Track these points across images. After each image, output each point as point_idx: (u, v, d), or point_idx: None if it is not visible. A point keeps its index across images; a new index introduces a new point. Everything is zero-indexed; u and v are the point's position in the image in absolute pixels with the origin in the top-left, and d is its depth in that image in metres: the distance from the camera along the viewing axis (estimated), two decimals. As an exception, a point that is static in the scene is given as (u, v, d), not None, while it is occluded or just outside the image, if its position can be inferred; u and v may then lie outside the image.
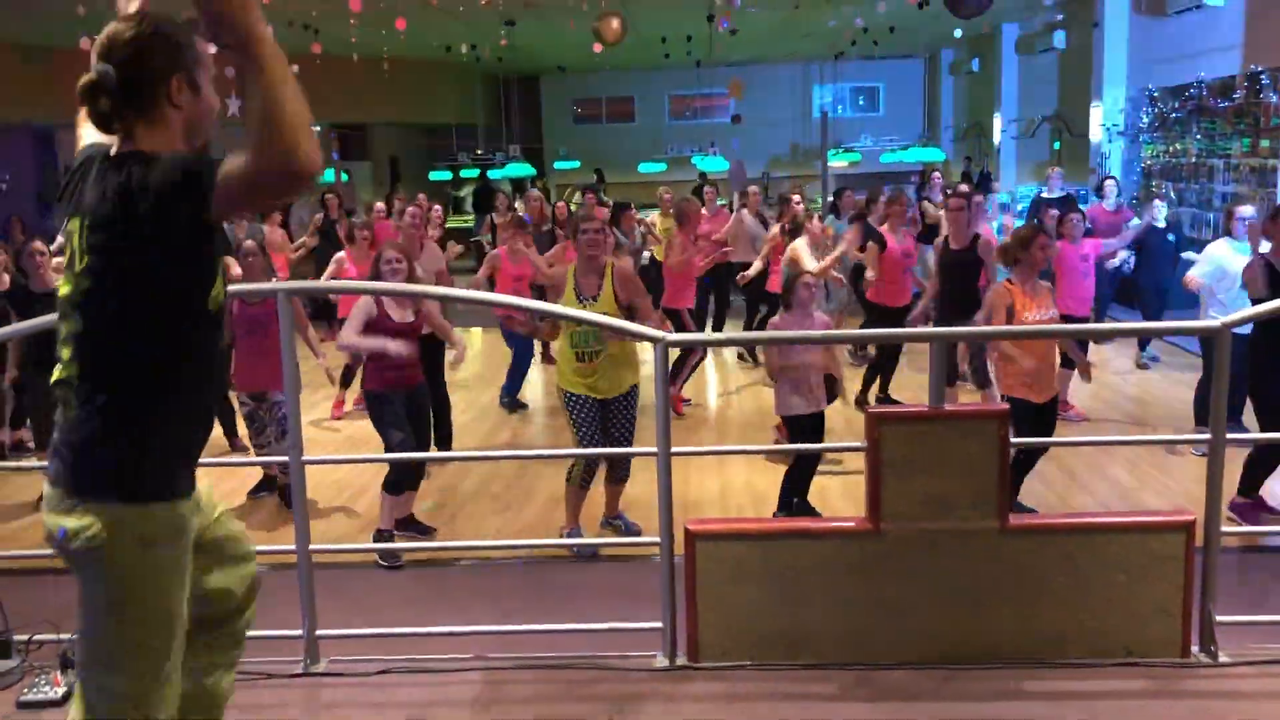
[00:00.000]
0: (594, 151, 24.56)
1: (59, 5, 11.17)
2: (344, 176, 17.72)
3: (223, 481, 6.95)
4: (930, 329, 4.82)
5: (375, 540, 5.79)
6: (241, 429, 7.06)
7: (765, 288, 9.33)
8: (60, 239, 2.41)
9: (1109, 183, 11.18)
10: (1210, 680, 3.53)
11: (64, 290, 2.26)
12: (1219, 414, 3.60)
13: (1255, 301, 5.62)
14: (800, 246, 8.19)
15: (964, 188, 10.28)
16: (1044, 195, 12.41)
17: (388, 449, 5.73)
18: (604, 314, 4.96)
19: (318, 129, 21.88)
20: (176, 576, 2.31)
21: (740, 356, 10.71)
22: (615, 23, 13.15)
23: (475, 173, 20.90)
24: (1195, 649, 3.64)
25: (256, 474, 6.92)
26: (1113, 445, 7.37)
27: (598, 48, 13.23)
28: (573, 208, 12.48)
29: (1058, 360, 6.18)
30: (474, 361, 10.75)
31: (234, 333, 6.25)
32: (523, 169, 17.85)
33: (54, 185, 20.34)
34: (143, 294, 2.18)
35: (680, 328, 8.44)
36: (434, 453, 6.71)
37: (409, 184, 20.82)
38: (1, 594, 3.86)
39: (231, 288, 2.99)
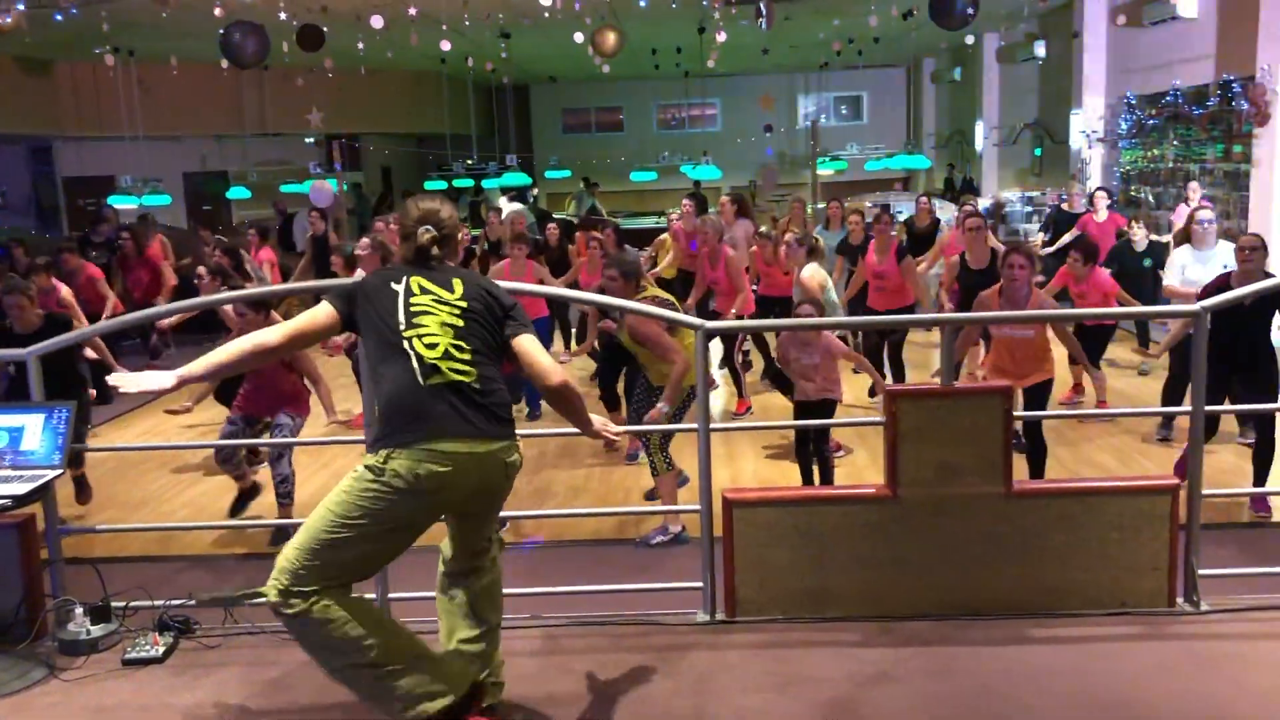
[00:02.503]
0: (583, 160, 24.99)
1: (81, 21, 11.56)
2: (345, 186, 18.11)
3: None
4: (945, 315, 5.26)
5: None
6: None
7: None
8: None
9: (1100, 194, 11.37)
10: (1193, 625, 3.96)
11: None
12: (1198, 389, 4.04)
13: None
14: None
15: (973, 205, 10.01)
16: (1064, 208, 12.53)
17: None
18: None
19: (311, 140, 21.38)
20: None
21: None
22: (612, 37, 13.57)
23: (469, 183, 21.14)
24: (1180, 599, 4.07)
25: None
26: (1105, 420, 7.90)
27: (597, 60, 13.59)
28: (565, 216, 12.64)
29: (1051, 358, 6.45)
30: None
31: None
32: (519, 178, 18.14)
33: (51, 198, 20.61)
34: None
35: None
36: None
37: (401, 194, 21.09)
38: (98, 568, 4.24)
39: None
